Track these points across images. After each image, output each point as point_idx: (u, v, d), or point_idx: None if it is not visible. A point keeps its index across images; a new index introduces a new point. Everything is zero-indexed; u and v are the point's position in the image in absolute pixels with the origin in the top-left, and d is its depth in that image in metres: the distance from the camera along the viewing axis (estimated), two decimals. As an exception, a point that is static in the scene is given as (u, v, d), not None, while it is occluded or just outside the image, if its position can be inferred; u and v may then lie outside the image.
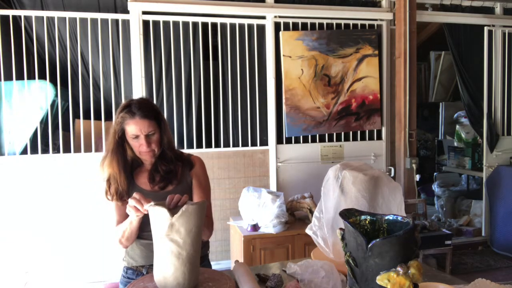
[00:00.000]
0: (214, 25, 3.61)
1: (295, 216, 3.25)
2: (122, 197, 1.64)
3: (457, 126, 5.47)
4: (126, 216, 1.64)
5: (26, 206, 3.22)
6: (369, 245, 1.01)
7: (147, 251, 1.65)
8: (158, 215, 1.22)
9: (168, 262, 1.22)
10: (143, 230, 1.62)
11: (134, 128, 1.59)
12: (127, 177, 1.66)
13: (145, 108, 1.62)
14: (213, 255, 3.56)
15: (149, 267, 1.65)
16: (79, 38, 3.35)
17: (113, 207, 1.68)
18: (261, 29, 3.68)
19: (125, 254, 1.74)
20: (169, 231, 1.20)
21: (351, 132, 3.92)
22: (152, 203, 1.28)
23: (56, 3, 3.33)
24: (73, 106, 3.42)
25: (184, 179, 1.72)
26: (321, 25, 3.80)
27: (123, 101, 3.42)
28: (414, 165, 3.79)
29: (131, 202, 1.40)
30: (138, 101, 1.65)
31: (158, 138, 1.65)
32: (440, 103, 6.11)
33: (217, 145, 3.64)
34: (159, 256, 1.24)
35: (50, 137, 3.28)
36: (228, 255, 3.60)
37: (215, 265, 3.48)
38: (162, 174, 1.68)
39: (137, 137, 1.61)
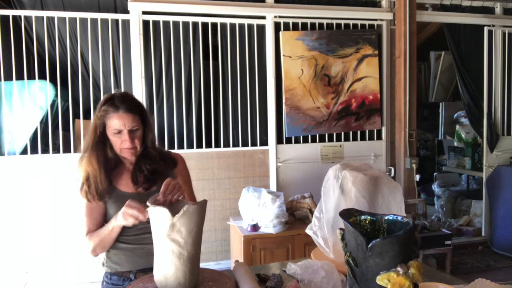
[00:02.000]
0: (214, 25, 3.61)
1: (295, 216, 3.25)
2: (103, 197, 1.54)
3: (457, 126, 5.47)
4: (99, 223, 1.56)
5: (26, 206, 3.22)
6: (369, 245, 1.01)
7: (133, 256, 1.58)
8: (159, 215, 1.22)
9: (169, 262, 1.22)
10: (127, 234, 1.57)
11: (117, 123, 1.50)
12: (107, 175, 1.56)
13: (129, 102, 1.54)
14: (213, 255, 3.56)
15: (137, 272, 1.59)
16: (79, 38, 3.35)
17: (83, 213, 1.57)
18: (261, 29, 3.68)
19: (106, 260, 1.63)
20: (170, 231, 1.20)
21: (351, 132, 3.92)
22: (149, 203, 1.27)
23: (56, 3, 3.33)
24: (73, 106, 3.42)
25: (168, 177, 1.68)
26: (321, 25, 3.80)
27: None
28: (414, 165, 3.78)
29: (128, 210, 1.36)
30: (121, 95, 1.57)
31: (141, 134, 1.57)
32: (440, 103, 6.10)
33: (217, 145, 3.64)
34: (160, 256, 1.24)
35: (50, 137, 3.28)
36: (228, 255, 3.60)
37: (215, 265, 3.49)
38: (146, 174, 1.59)
39: (119, 132, 1.52)
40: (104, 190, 1.54)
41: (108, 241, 1.53)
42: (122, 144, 1.54)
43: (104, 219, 1.60)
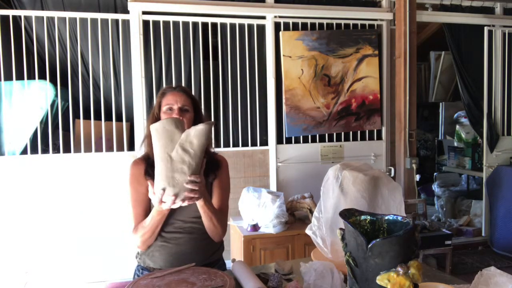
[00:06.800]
0: (214, 25, 3.61)
1: (295, 216, 3.25)
2: None
3: (457, 126, 5.47)
4: (146, 214, 1.60)
5: (26, 206, 3.21)
6: (369, 245, 1.01)
7: (166, 255, 1.61)
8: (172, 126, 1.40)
9: (178, 171, 1.41)
10: (164, 231, 1.61)
11: (170, 99, 1.62)
12: None
13: (185, 88, 1.72)
14: (213, 255, 3.55)
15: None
16: (79, 38, 3.35)
17: (130, 206, 1.64)
18: (261, 29, 3.68)
19: (140, 253, 1.69)
20: (184, 139, 1.41)
21: (351, 132, 3.91)
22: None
23: (56, 3, 3.33)
24: (73, 106, 3.42)
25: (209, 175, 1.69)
26: (321, 25, 3.80)
27: (123, 101, 3.44)
28: (414, 165, 3.78)
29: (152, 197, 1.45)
30: (179, 85, 1.77)
31: (191, 118, 1.64)
32: (440, 103, 6.10)
33: (217, 145, 3.63)
34: (167, 167, 1.40)
35: (50, 137, 3.28)
36: (228, 255, 3.59)
37: (215, 265, 3.47)
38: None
39: (170, 109, 1.61)
40: None
41: (155, 226, 1.56)
42: None
43: (150, 209, 1.63)
